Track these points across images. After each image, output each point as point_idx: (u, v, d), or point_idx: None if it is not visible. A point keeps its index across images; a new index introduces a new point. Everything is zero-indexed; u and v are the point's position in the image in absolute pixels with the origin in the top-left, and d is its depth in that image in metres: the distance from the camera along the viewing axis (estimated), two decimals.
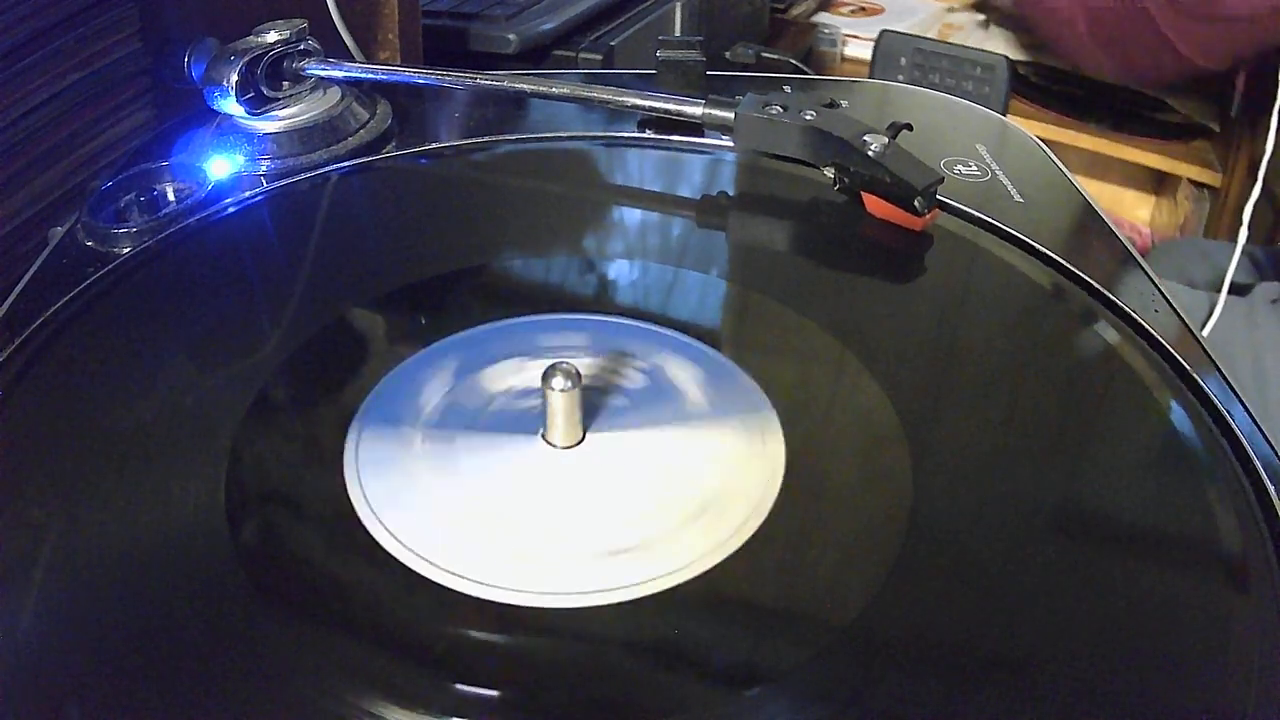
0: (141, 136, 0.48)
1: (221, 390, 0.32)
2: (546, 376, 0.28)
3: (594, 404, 0.30)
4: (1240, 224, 0.72)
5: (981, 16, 1.04)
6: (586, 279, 0.37)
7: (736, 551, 0.26)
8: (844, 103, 0.43)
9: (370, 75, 0.46)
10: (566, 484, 0.28)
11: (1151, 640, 0.25)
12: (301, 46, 0.44)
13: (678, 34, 0.73)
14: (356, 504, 0.28)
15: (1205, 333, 0.58)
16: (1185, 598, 0.26)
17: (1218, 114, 1.03)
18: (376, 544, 0.27)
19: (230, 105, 0.42)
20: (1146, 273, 0.37)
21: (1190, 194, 1.03)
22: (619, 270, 0.37)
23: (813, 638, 0.25)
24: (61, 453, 0.30)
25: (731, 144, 0.43)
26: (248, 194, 0.41)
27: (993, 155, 0.43)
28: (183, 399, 0.32)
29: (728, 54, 0.76)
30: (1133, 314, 0.34)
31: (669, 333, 0.33)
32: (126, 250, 0.37)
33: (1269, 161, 0.74)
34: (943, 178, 0.38)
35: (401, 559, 0.26)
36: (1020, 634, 0.25)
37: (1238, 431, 0.30)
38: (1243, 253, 0.68)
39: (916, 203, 0.37)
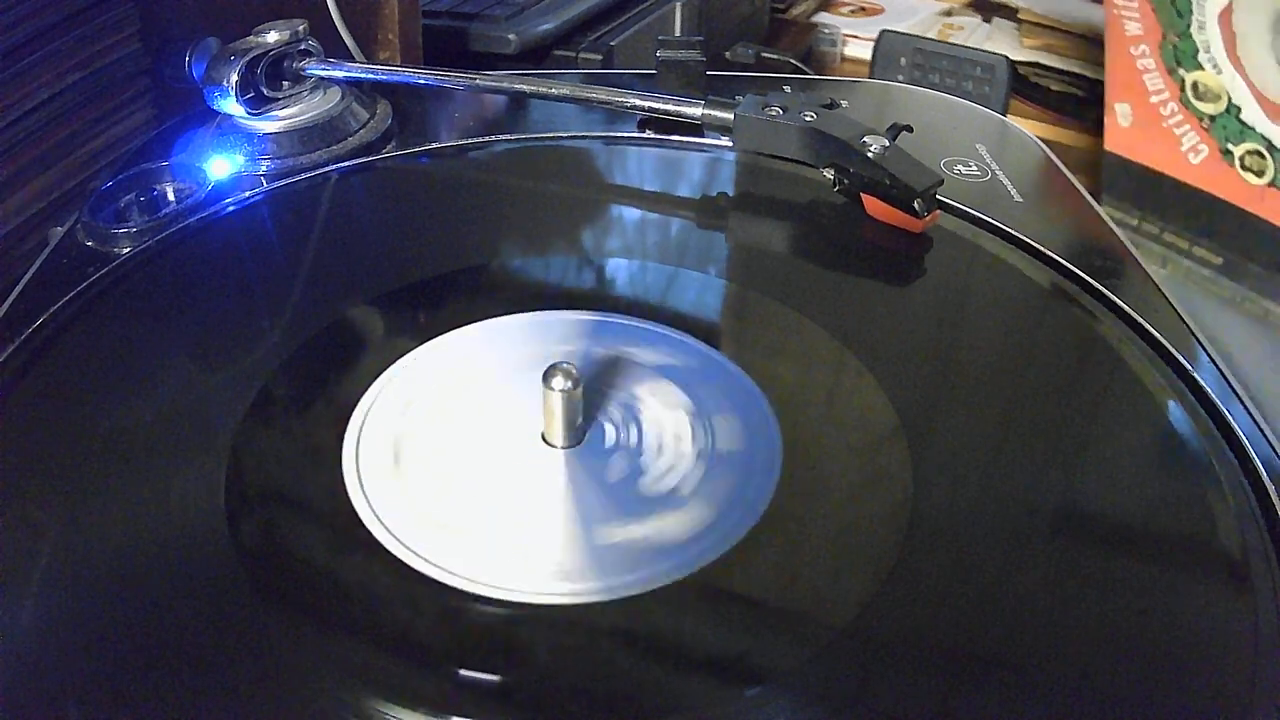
0: (141, 136, 0.48)
1: (221, 390, 0.32)
2: (546, 376, 0.28)
3: (593, 404, 0.30)
4: None
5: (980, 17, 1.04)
6: (586, 279, 0.37)
7: (735, 551, 0.26)
8: (844, 103, 0.43)
9: (370, 75, 0.46)
10: (565, 483, 0.28)
11: (1151, 640, 0.25)
12: (301, 46, 0.44)
13: (678, 34, 0.73)
14: (356, 503, 0.28)
15: None
16: (1185, 598, 0.26)
17: None
18: (376, 543, 0.27)
19: (230, 105, 0.42)
20: (1147, 272, 0.37)
21: None
22: (619, 270, 0.38)
23: (813, 638, 0.25)
24: (61, 453, 0.30)
25: (731, 145, 0.43)
26: (248, 194, 0.41)
27: (993, 155, 0.43)
28: (183, 399, 0.32)
29: (728, 54, 0.76)
30: (1133, 314, 0.34)
31: (669, 332, 0.33)
32: (126, 250, 0.37)
33: None
34: (942, 180, 0.38)
35: (401, 557, 0.26)
36: (1020, 634, 0.25)
37: (1238, 431, 0.30)
38: None
39: (916, 205, 0.37)
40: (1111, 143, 0.64)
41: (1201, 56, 0.57)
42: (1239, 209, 0.59)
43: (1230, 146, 0.58)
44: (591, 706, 0.23)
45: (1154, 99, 0.61)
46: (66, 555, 0.27)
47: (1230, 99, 0.57)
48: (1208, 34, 0.57)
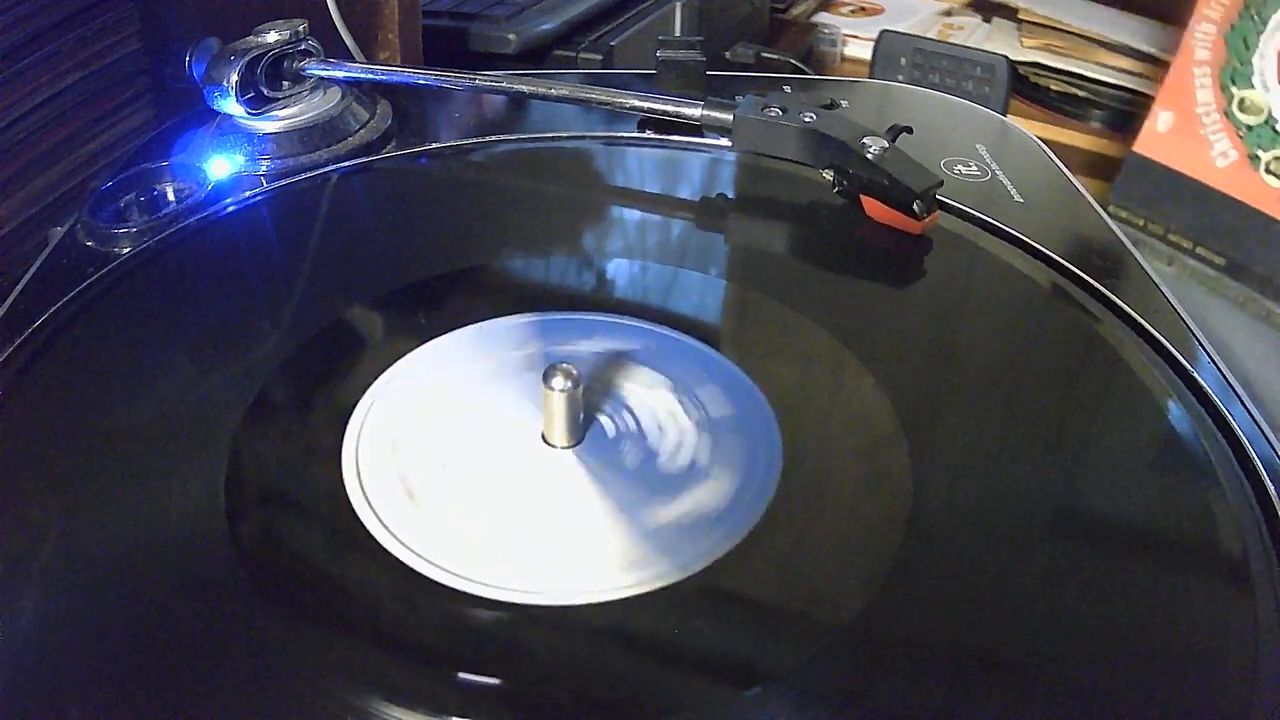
0: (141, 136, 0.48)
1: (221, 390, 0.32)
2: (546, 376, 0.28)
3: (593, 404, 0.30)
4: None
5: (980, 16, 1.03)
6: (586, 279, 0.37)
7: (735, 551, 0.26)
8: (844, 103, 0.43)
9: (370, 75, 0.46)
10: (565, 483, 0.28)
11: (1151, 640, 0.25)
12: (301, 46, 0.44)
13: (678, 34, 0.73)
14: (356, 503, 0.28)
15: None
16: (1185, 598, 0.26)
17: None
18: (376, 543, 0.27)
19: (230, 105, 0.42)
20: (1147, 272, 0.37)
21: None
22: (619, 270, 0.38)
23: (813, 638, 0.25)
24: (61, 453, 0.30)
25: (730, 145, 0.43)
26: (248, 194, 0.41)
27: (993, 155, 0.43)
28: (183, 399, 0.32)
29: (728, 54, 0.76)
30: (1133, 314, 0.34)
31: (669, 332, 0.33)
32: (126, 250, 0.37)
33: None
34: (941, 181, 0.38)
35: (401, 558, 0.26)
36: (1020, 634, 0.25)
37: (1238, 431, 0.30)
38: None
39: (915, 206, 0.37)
40: (1142, 145, 0.66)
41: (1255, 78, 0.60)
42: (1255, 210, 0.60)
43: (1259, 152, 0.60)
44: (592, 706, 0.23)
45: (1199, 109, 0.63)
46: (66, 555, 0.27)
47: (1270, 112, 0.59)
48: (1265, 61, 0.59)
